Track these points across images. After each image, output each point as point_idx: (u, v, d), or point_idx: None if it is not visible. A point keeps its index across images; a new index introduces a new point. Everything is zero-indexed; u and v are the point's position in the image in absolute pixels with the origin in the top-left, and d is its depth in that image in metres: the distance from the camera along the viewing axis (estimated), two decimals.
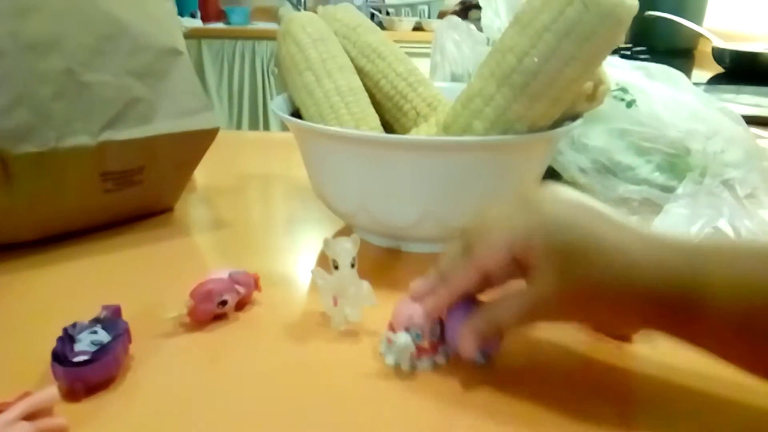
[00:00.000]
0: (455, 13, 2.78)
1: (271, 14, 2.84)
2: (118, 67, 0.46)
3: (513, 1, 0.68)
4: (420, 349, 0.33)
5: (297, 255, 0.51)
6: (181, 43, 0.52)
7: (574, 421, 0.30)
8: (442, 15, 2.81)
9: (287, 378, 0.33)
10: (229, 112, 2.57)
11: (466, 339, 0.32)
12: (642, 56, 1.23)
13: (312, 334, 0.37)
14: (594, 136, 0.57)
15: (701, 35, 1.40)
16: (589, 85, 0.44)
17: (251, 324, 0.39)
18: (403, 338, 0.32)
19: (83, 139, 0.44)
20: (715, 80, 1.29)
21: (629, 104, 0.56)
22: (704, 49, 1.52)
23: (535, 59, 0.37)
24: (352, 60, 0.54)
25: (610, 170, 0.57)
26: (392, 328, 0.34)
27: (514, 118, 0.39)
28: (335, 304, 0.37)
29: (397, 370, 0.33)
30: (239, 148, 0.85)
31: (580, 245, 0.29)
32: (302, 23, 0.53)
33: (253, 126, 2.60)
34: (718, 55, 1.33)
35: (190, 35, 2.53)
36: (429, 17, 2.79)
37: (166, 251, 0.49)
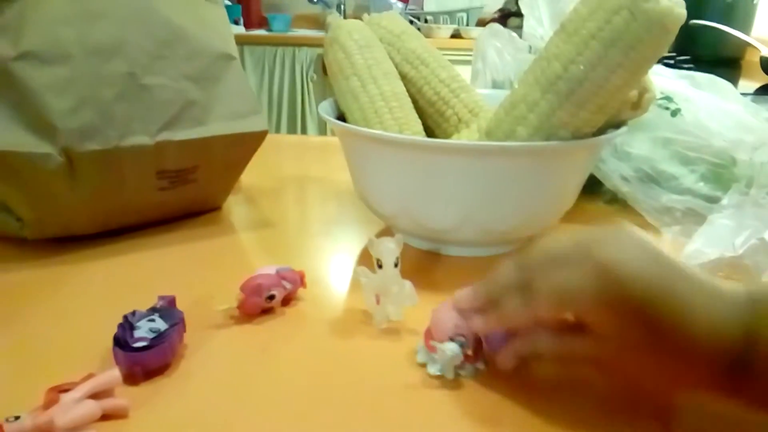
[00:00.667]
0: (494, 20, 2.78)
1: (312, 22, 2.90)
2: (175, 71, 0.49)
3: (556, 9, 0.68)
4: (464, 357, 0.33)
5: (338, 254, 0.52)
6: (234, 49, 0.54)
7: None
8: (480, 23, 2.81)
9: (331, 372, 0.35)
10: (268, 116, 2.63)
11: (507, 360, 0.32)
12: (686, 65, 1.21)
13: (354, 330, 0.39)
14: (637, 144, 0.57)
15: (749, 44, 1.36)
16: (634, 93, 0.44)
17: (297, 319, 0.40)
18: (451, 348, 0.32)
19: (142, 139, 0.47)
20: (762, 90, 1.26)
21: (674, 113, 0.56)
22: (752, 59, 1.49)
23: (581, 67, 0.37)
24: (396, 66, 0.56)
25: (653, 179, 0.57)
26: (430, 335, 0.34)
27: (558, 124, 0.40)
28: (378, 302, 0.38)
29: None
30: (279, 151, 0.87)
31: (659, 307, 0.27)
32: (349, 30, 0.54)
33: (292, 130, 2.64)
34: (767, 64, 1.30)
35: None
36: (467, 25, 2.79)
37: (215, 247, 0.51)
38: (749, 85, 1.28)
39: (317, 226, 0.60)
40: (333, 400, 0.32)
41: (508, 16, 2.71)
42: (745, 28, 1.48)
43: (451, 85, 0.56)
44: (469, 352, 0.33)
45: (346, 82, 0.53)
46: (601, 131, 0.44)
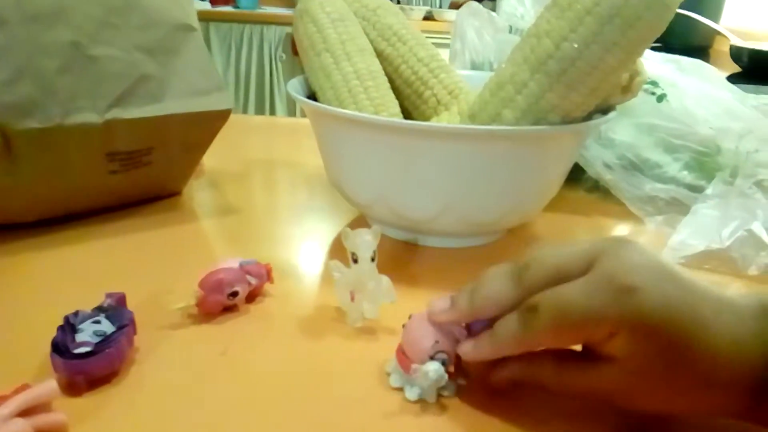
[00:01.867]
0: (467, 3, 2.75)
1: None
2: (127, 41, 0.44)
3: None
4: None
5: (308, 245, 0.49)
6: (194, 19, 0.49)
7: None
8: (453, 5, 2.78)
9: (300, 375, 0.31)
10: (235, 96, 2.55)
11: (500, 382, 0.29)
12: (657, 52, 1.20)
13: (327, 329, 0.35)
14: (621, 130, 0.54)
15: (718, 33, 1.37)
16: (624, 76, 0.41)
17: (262, 317, 0.37)
18: (434, 370, 0.28)
19: (89, 117, 0.42)
20: (731, 79, 1.26)
21: (660, 98, 0.54)
22: (720, 48, 1.49)
23: (575, 45, 0.34)
24: (371, 43, 0.52)
25: (636, 167, 0.55)
26: (403, 354, 0.30)
27: (547, 107, 0.37)
28: (352, 299, 0.35)
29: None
30: (246, 133, 0.83)
31: (682, 333, 0.24)
32: (321, 2, 0.50)
33: (260, 111, 2.57)
34: (736, 53, 1.30)
35: (199, 18, 2.48)
36: (440, 6, 2.75)
37: (173, 237, 0.47)
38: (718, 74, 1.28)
39: (286, 213, 0.56)
40: (301, 406, 0.29)
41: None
42: (715, 16, 1.49)
43: (430, 65, 0.53)
44: (451, 369, 0.29)
45: (318, 58, 0.49)
46: (587, 116, 0.42)
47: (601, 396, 0.27)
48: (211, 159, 0.58)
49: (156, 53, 0.45)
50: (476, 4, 0.74)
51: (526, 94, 0.37)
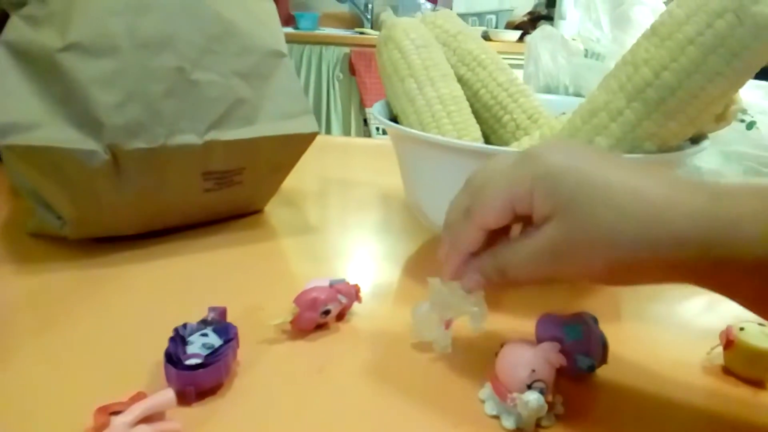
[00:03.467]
0: (523, 23, 2.74)
1: (339, 20, 2.88)
2: (225, 67, 0.46)
3: (617, 12, 0.65)
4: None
5: (385, 264, 0.50)
6: (284, 45, 0.51)
7: None
8: (509, 25, 2.78)
9: (394, 397, 0.32)
10: None
11: (468, 277, 0.31)
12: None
13: (415, 352, 0.36)
14: (708, 158, 0.53)
15: None
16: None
17: (352, 336, 0.38)
18: (535, 399, 0.28)
19: (190, 138, 0.44)
20: None
21: (749, 126, 0.52)
22: None
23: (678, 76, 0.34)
24: (451, 68, 0.53)
25: None
26: (499, 382, 0.30)
27: (644, 136, 0.37)
28: (447, 326, 0.35)
29: None
30: (321, 152, 0.85)
31: (590, 190, 0.26)
32: (405, 29, 0.52)
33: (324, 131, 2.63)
34: None
35: None
36: (496, 27, 2.75)
37: (260, 253, 0.49)
38: None
39: (362, 232, 0.57)
40: (393, 430, 0.29)
41: (538, 19, 2.67)
42: None
43: (510, 89, 0.53)
44: (550, 398, 0.29)
45: (402, 83, 0.50)
46: (679, 144, 0.41)
47: (554, 265, 0.28)
48: (287, 178, 0.60)
49: (250, 78, 0.48)
50: (549, 27, 0.74)
51: (621, 122, 0.37)
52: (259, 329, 0.36)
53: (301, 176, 0.68)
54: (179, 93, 0.44)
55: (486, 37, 2.67)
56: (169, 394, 0.28)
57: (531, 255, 0.29)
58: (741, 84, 0.36)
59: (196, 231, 0.50)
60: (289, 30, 2.66)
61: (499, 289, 0.32)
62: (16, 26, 0.43)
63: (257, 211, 0.56)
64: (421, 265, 0.49)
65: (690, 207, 0.25)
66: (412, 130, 0.46)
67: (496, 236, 0.31)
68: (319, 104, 2.62)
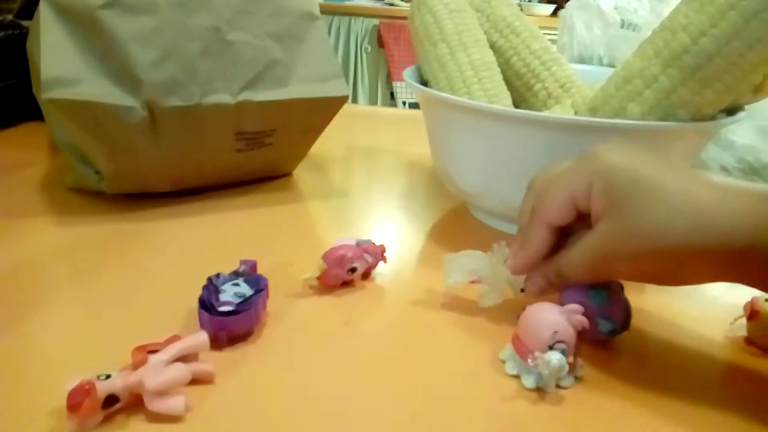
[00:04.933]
0: None
1: None
2: (259, 28, 0.47)
3: None
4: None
5: (410, 229, 0.50)
6: (317, 8, 0.51)
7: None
8: None
9: (416, 350, 0.33)
10: None
11: (532, 281, 0.33)
12: None
13: (438, 312, 0.36)
14: (742, 132, 0.52)
15: None
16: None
17: (377, 294, 0.39)
18: (557, 359, 0.28)
19: (224, 98, 0.45)
20: None
21: None
22: None
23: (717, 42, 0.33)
24: (484, 34, 0.52)
25: (757, 171, 0.52)
26: (520, 342, 0.31)
27: (678, 103, 0.36)
28: (472, 282, 0.36)
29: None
30: (349, 120, 0.85)
31: (643, 191, 0.28)
32: None
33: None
34: None
35: None
36: (530, 0, 2.69)
37: (289, 213, 0.50)
38: None
39: (388, 198, 0.58)
40: (417, 383, 0.30)
41: None
42: None
43: (543, 57, 0.53)
44: (571, 360, 0.30)
45: (434, 48, 0.50)
46: (714, 115, 0.40)
47: (608, 265, 0.30)
48: (315, 143, 0.61)
49: (284, 40, 0.48)
50: None
51: (655, 89, 0.37)
52: (288, 283, 0.37)
53: (329, 142, 0.69)
54: (214, 52, 0.45)
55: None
56: (203, 337, 0.29)
57: (585, 253, 0.30)
58: None
59: (227, 190, 0.52)
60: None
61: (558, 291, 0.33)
62: None
63: (286, 175, 0.57)
64: (445, 232, 0.50)
65: (738, 205, 0.26)
66: (443, 94, 0.46)
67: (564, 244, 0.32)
68: (347, 76, 2.61)
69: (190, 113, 0.44)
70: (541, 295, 0.33)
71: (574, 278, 0.31)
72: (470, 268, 0.35)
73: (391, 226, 0.51)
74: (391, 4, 2.67)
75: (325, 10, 2.54)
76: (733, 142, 0.52)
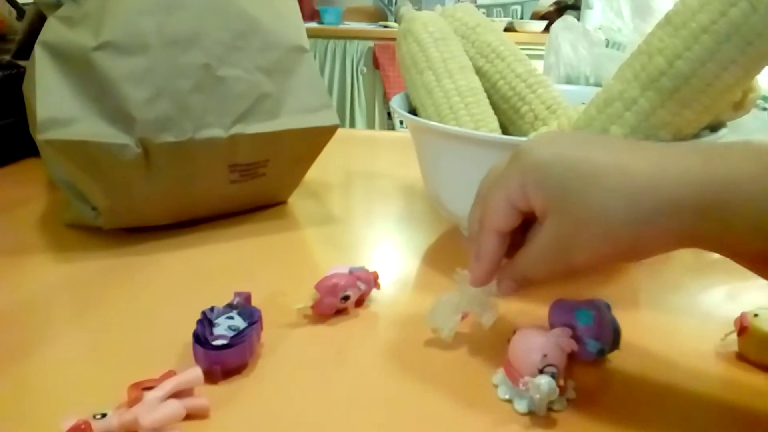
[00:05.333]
0: (549, 13, 2.71)
1: (363, 14, 2.89)
2: (250, 63, 0.48)
3: (637, 1, 0.65)
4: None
5: (406, 254, 0.51)
6: (306, 41, 0.53)
7: None
8: (535, 15, 2.75)
9: (409, 379, 0.33)
10: None
11: (505, 284, 0.32)
12: None
13: (431, 338, 0.37)
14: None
15: None
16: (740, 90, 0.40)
17: (370, 321, 0.39)
18: (546, 382, 0.29)
19: (216, 132, 0.46)
20: None
21: None
22: None
23: (689, 63, 0.34)
24: (470, 59, 0.53)
25: None
26: (512, 367, 0.31)
27: (658, 124, 0.37)
28: (463, 318, 0.36)
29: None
30: (344, 145, 0.87)
31: (578, 180, 0.27)
32: (424, 22, 0.52)
33: (340, 123, 2.65)
34: None
35: None
36: (521, 17, 2.72)
37: (284, 242, 0.51)
38: None
39: (383, 223, 0.58)
40: (411, 413, 0.31)
41: (564, 9, 2.64)
42: None
43: (528, 80, 0.54)
44: (562, 382, 0.30)
45: (420, 76, 0.51)
46: (696, 133, 0.41)
47: (568, 260, 0.29)
48: (311, 170, 0.62)
49: (274, 73, 0.49)
50: (571, 18, 0.74)
51: (635, 111, 0.37)
52: (282, 313, 0.38)
53: (325, 168, 0.70)
54: (206, 88, 0.46)
55: (511, 28, 2.65)
56: (196, 372, 0.30)
57: (540, 254, 0.30)
58: (756, 72, 0.36)
59: (222, 221, 0.52)
60: (314, 25, 2.68)
61: (531, 290, 0.32)
62: (53, 27, 0.46)
63: (281, 203, 0.58)
64: (440, 255, 0.50)
65: (681, 172, 0.25)
66: (429, 122, 0.47)
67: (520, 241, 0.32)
68: (344, 98, 2.64)
69: (183, 148, 0.45)
70: (516, 294, 0.33)
71: (537, 278, 0.31)
72: (453, 311, 0.36)
73: (386, 251, 0.52)
74: (386, 26, 2.71)
75: (321, 34, 2.58)
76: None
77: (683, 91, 0.36)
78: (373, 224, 0.58)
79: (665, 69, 0.36)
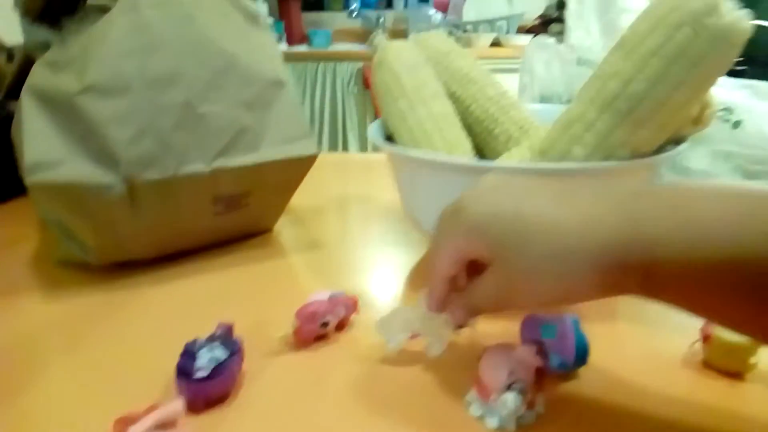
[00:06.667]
0: (535, 27, 2.75)
1: (352, 36, 2.93)
2: (229, 98, 0.50)
3: (605, 19, 0.67)
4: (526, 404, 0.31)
5: (387, 276, 0.52)
6: (284, 73, 0.55)
7: None
8: (521, 30, 2.79)
9: (386, 400, 0.34)
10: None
11: (456, 314, 0.35)
12: (740, 67, 1.16)
13: (409, 359, 0.38)
14: (696, 159, 0.54)
15: None
16: (695, 107, 0.42)
17: (350, 345, 0.40)
18: (512, 399, 0.30)
19: (199, 167, 0.48)
20: None
21: (735, 125, 0.54)
22: None
23: (642, 85, 0.36)
24: (443, 85, 0.55)
25: None
26: (482, 385, 0.32)
27: (616, 144, 0.39)
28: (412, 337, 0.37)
29: None
30: (325, 170, 0.88)
31: (515, 236, 0.29)
32: (397, 51, 0.54)
33: (333, 145, 2.67)
34: None
35: None
36: (507, 32, 2.76)
37: (268, 271, 0.52)
38: None
39: (365, 247, 0.60)
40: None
41: (549, 23, 2.68)
42: None
43: (500, 102, 0.56)
44: (530, 397, 0.31)
45: (395, 104, 0.53)
46: (660, 148, 0.43)
47: (511, 302, 0.32)
48: (294, 197, 0.63)
49: (253, 107, 0.51)
50: (544, 37, 0.76)
51: (594, 132, 0.39)
52: (265, 342, 0.39)
53: (312, 193, 0.71)
54: (187, 125, 0.48)
55: (497, 43, 2.69)
56: (177, 404, 0.31)
57: (486, 296, 0.32)
58: (704, 90, 0.38)
59: (208, 252, 0.54)
60: (303, 48, 2.72)
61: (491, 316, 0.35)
62: (38, 72, 0.48)
63: (266, 231, 0.59)
64: (419, 275, 0.51)
65: (606, 234, 0.27)
66: (404, 150, 0.49)
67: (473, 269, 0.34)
68: (335, 119, 2.66)
69: (167, 184, 0.47)
70: (466, 324, 0.35)
71: (486, 311, 0.34)
72: (405, 326, 0.37)
73: (369, 275, 0.53)
74: (374, 47, 2.75)
75: (311, 57, 2.62)
76: (688, 168, 0.54)
77: (637, 112, 0.37)
78: (355, 248, 0.59)
79: (619, 91, 0.38)
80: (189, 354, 0.35)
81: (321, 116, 2.65)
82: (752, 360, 0.35)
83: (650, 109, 0.37)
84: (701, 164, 0.54)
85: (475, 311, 0.34)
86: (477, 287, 0.33)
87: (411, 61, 0.54)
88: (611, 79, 0.38)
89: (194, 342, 0.36)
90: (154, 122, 0.47)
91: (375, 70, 0.55)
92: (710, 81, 0.37)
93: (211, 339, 0.36)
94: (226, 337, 0.37)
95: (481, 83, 0.56)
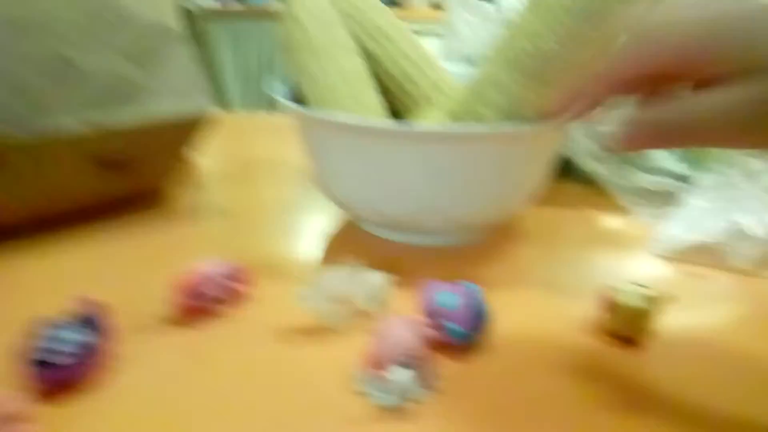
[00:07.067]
0: None
1: None
2: (107, 46, 0.44)
3: None
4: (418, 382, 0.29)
5: (295, 246, 0.49)
6: (174, 21, 0.49)
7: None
8: None
9: (273, 381, 0.31)
10: (245, 93, 2.56)
11: (626, 131, 0.26)
12: None
13: (303, 334, 0.35)
14: (609, 122, 0.53)
15: None
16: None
17: (244, 322, 0.37)
18: (401, 376, 0.29)
19: (70, 122, 0.42)
20: None
21: None
22: None
23: (553, 44, 0.34)
24: (359, 42, 0.51)
25: (626, 159, 0.54)
26: (373, 359, 0.30)
27: (525, 105, 0.37)
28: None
29: None
30: (248, 132, 0.83)
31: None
32: (305, 3, 0.50)
33: (272, 106, 2.58)
34: None
35: (208, 16, 2.50)
36: None
37: (157, 241, 0.47)
38: None
39: (277, 214, 0.56)
40: (270, 418, 0.29)
41: None
42: None
43: (418, 62, 0.53)
44: (423, 373, 0.30)
45: (303, 59, 0.48)
46: None
47: (754, 140, 0.23)
48: (206, 160, 0.58)
49: (134, 57, 0.45)
50: None
51: (504, 93, 0.37)
52: (141, 321, 0.35)
53: (221, 157, 0.67)
54: (54, 75, 0.42)
55: (437, 5, 2.64)
56: (19, 398, 0.27)
57: (737, 115, 0.23)
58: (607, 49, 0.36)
59: (93, 219, 0.48)
60: (237, 6, 2.58)
61: (654, 147, 0.26)
62: None
63: (158, 195, 0.54)
64: (335, 248, 0.48)
65: None
66: (306, 109, 0.45)
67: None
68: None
69: (32, 141, 0.41)
70: (633, 150, 0.27)
71: (712, 140, 0.24)
72: (334, 292, 0.35)
73: (274, 245, 0.49)
74: None
75: (246, 16, 2.48)
76: (599, 131, 0.53)
77: (547, 72, 0.35)
78: (264, 216, 0.55)
79: (530, 50, 0.35)
80: (44, 335, 0.30)
81: (258, 77, 2.55)
82: (650, 325, 0.34)
83: (559, 69, 0.35)
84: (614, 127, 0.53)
85: (688, 134, 0.24)
86: (714, 100, 0.23)
87: (321, 14, 0.50)
88: (522, 38, 0.36)
89: (52, 321, 0.31)
90: (10, 71, 0.40)
91: (282, 22, 0.51)
92: (613, 39, 0.35)
93: (77, 318, 0.32)
94: (91, 315, 0.33)
95: (398, 41, 0.53)
